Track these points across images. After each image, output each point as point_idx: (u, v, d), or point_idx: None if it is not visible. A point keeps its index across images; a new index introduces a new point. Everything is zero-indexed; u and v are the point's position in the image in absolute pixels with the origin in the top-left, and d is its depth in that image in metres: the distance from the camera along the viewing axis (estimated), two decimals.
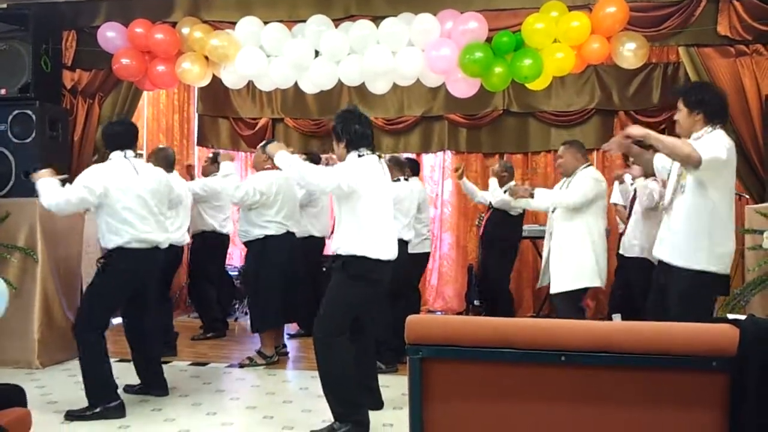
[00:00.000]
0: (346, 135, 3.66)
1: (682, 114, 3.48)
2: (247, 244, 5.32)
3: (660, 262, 3.62)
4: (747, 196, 5.02)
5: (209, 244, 6.24)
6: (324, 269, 6.01)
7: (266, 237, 5.14)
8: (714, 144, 3.32)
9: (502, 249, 6.23)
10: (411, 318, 1.92)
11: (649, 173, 4.43)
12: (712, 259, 3.39)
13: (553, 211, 4.73)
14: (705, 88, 3.65)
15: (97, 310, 4.05)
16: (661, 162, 3.74)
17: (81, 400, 4.03)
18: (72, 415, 3.91)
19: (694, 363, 1.76)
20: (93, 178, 4.00)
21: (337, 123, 3.72)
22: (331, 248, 3.81)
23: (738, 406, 1.73)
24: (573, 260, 4.48)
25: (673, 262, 3.47)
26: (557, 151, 7.39)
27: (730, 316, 1.86)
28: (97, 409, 3.92)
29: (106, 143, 4.29)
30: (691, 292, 3.39)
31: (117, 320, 5.21)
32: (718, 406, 1.77)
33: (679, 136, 3.50)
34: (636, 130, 3.41)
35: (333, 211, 4.21)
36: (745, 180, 4.80)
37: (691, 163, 3.25)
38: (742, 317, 1.84)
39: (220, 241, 6.36)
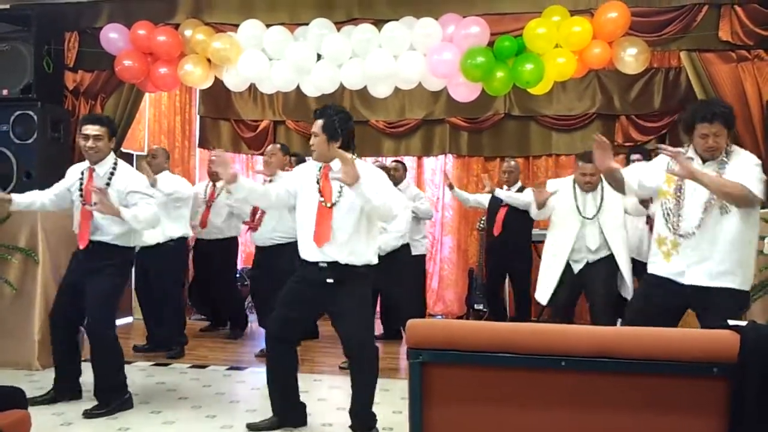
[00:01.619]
0: (345, 134, 3.46)
1: (723, 136, 3.17)
2: (283, 245, 5.21)
3: (687, 286, 3.24)
4: None
5: (224, 246, 6.28)
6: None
7: None
8: (751, 170, 3.12)
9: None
10: (412, 322, 1.92)
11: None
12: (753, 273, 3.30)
13: (589, 218, 4.50)
14: (724, 103, 3.49)
15: (114, 308, 4.15)
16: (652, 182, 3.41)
17: (81, 402, 4.05)
18: (91, 414, 3.91)
19: (695, 369, 1.76)
20: (146, 183, 4.13)
21: (333, 120, 3.43)
22: (334, 257, 3.45)
23: (738, 413, 1.73)
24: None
25: (728, 286, 3.18)
26: (558, 156, 7.47)
27: (731, 323, 1.86)
28: (119, 401, 4.00)
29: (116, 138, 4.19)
30: (738, 312, 3.22)
31: (126, 320, 5.39)
32: (718, 413, 1.76)
33: (710, 155, 3.20)
34: (680, 171, 3.14)
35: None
36: None
37: (748, 204, 3.08)
38: (743, 323, 1.84)
39: (233, 243, 6.44)
